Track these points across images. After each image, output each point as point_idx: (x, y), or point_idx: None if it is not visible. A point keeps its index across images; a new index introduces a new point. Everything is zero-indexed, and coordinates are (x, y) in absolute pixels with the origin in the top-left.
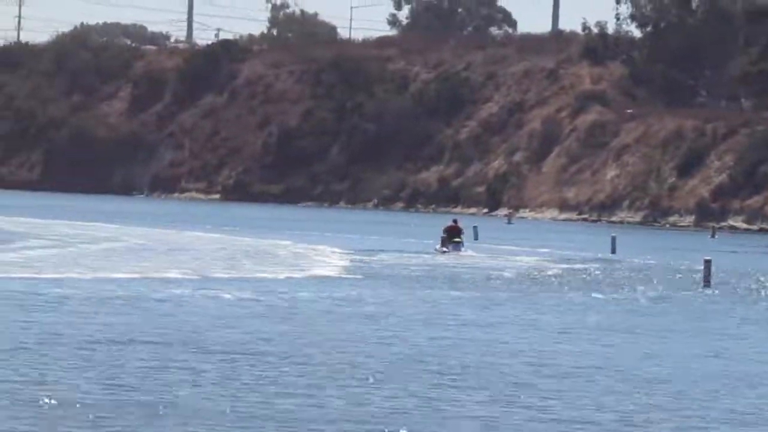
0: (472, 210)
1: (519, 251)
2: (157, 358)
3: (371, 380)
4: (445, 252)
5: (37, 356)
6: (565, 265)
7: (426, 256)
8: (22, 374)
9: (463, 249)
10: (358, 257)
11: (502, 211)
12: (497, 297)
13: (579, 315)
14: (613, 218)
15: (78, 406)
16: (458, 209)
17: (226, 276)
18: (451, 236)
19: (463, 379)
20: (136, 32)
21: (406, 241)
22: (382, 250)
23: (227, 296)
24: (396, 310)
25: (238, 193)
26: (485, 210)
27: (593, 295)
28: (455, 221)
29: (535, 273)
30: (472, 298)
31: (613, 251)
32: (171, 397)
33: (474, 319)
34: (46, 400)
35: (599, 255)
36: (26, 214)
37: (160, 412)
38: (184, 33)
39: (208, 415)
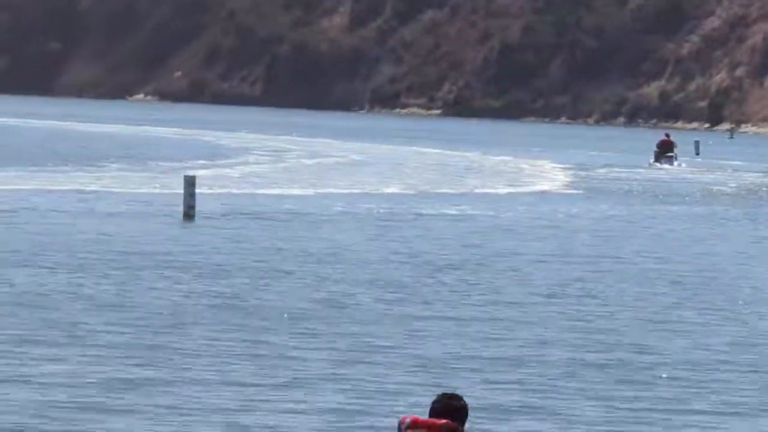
0: (694, 125)
1: (741, 166)
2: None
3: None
4: (657, 166)
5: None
6: None
7: (642, 170)
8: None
9: (675, 163)
10: (578, 172)
11: (724, 126)
12: (724, 212)
13: None
14: None
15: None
16: (679, 124)
17: (451, 192)
18: (664, 150)
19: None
20: None
21: (626, 157)
22: (602, 165)
23: (452, 212)
24: (629, 226)
25: (459, 108)
26: (707, 125)
27: None
28: (667, 135)
29: (758, 188)
30: (696, 213)
31: None
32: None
33: (700, 235)
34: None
35: None
36: (247, 129)
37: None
38: None
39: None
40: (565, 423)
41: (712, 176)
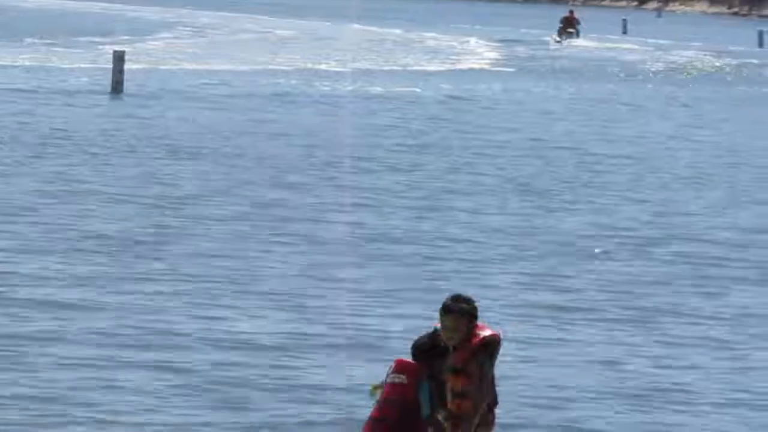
0: (622, 3)
1: (668, 45)
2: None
3: None
4: (558, 42)
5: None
6: (714, 60)
7: (569, 48)
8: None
9: (575, 39)
10: (501, 48)
11: (652, 5)
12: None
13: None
14: (765, 12)
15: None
16: (607, 2)
17: (379, 68)
18: (566, 26)
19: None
20: None
21: (549, 31)
22: (526, 41)
23: (377, 89)
24: (558, 105)
25: None
26: (635, 3)
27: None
28: (571, 12)
29: (682, 66)
30: (623, 91)
31: (761, 45)
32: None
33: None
34: None
35: (744, 48)
36: (177, 4)
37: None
38: None
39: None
40: None
41: (642, 56)
